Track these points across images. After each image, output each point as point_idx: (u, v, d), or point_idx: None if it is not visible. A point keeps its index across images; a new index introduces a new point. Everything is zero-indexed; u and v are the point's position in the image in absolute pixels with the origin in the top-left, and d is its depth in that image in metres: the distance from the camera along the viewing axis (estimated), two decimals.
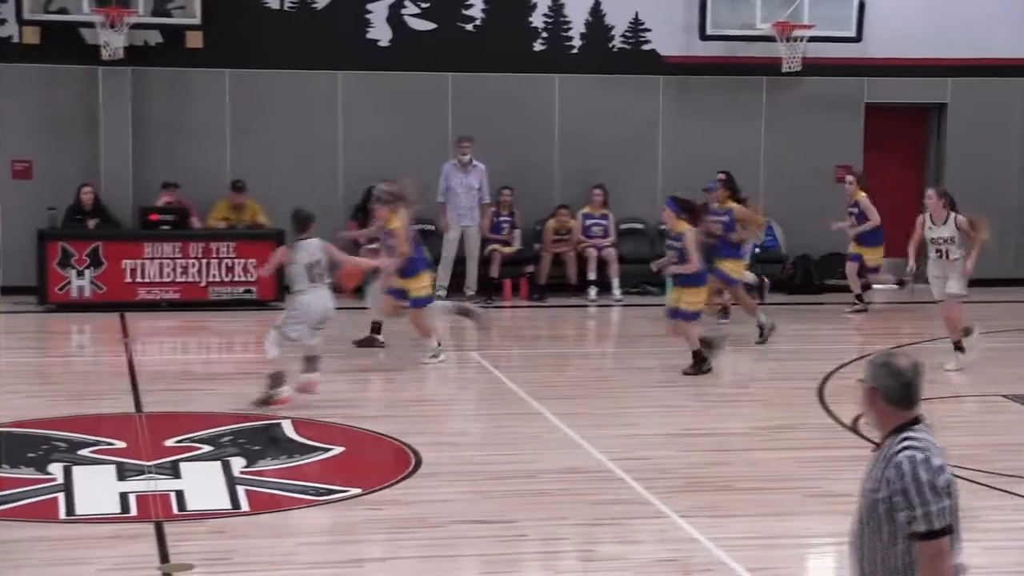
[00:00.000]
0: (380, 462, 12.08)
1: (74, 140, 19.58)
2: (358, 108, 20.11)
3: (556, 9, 20.55)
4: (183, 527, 9.99)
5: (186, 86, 19.89)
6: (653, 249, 19.02)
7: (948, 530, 5.42)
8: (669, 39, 20.65)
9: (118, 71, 19.30)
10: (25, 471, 11.40)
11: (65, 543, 9.76)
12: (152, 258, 18.77)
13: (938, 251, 14.61)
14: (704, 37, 20.24)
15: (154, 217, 18.97)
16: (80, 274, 18.67)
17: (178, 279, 18.85)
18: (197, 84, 19.89)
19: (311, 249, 13.31)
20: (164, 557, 9.33)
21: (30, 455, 11.84)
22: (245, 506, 10.54)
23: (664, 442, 12.29)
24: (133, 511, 10.45)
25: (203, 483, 11.11)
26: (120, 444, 12.17)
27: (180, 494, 10.77)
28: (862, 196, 18.59)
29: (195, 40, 19.19)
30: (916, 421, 5.62)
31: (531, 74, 20.51)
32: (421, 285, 15.01)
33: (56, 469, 11.38)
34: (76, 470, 11.36)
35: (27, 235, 18.98)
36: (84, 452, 11.93)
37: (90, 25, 18.91)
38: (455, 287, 19.19)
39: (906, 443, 5.54)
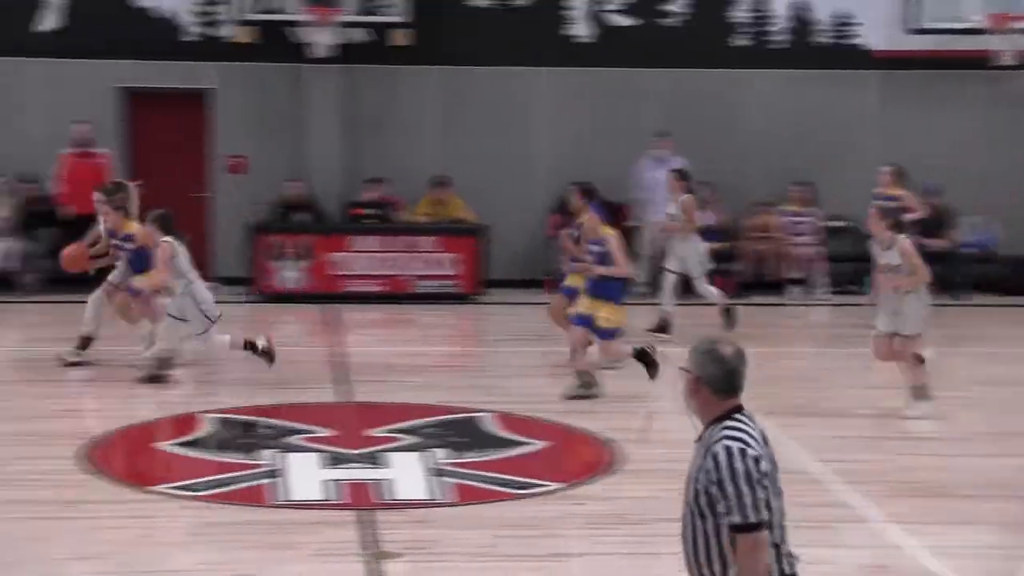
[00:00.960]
0: (581, 458, 12.11)
1: (284, 136, 19.97)
2: (558, 105, 20.26)
3: (759, 4, 20.31)
4: (386, 516, 10.09)
5: (393, 83, 20.12)
6: (859, 248, 18.38)
7: (764, 523, 5.32)
8: (877, 33, 20.22)
9: (326, 69, 19.60)
10: (235, 456, 11.71)
11: (272, 527, 9.94)
12: (358, 252, 19.12)
13: None
14: (915, 31, 19.74)
15: (360, 212, 19.29)
16: (289, 266, 18.99)
17: (384, 272, 19.13)
18: (404, 81, 20.11)
19: None
20: (368, 544, 9.45)
21: (240, 441, 12.21)
22: (447, 497, 10.63)
23: (874, 444, 12.05)
24: (338, 498, 10.65)
25: (406, 473, 11.23)
26: (327, 432, 12.42)
27: (384, 483, 10.94)
28: None
29: (403, 38, 19.43)
30: (738, 409, 5.53)
31: (731, 70, 20.32)
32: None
33: (265, 455, 11.59)
34: (284, 457, 11.56)
35: (239, 228, 19.47)
36: (292, 439, 12.16)
37: (300, 24, 19.25)
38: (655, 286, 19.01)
39: (725, 432, 5.46)
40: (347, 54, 19.39)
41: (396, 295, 18.99)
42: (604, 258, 13.61)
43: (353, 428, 12.67)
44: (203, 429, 12.59)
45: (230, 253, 19.88)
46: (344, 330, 17.59)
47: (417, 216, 19.61)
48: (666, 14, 20.30)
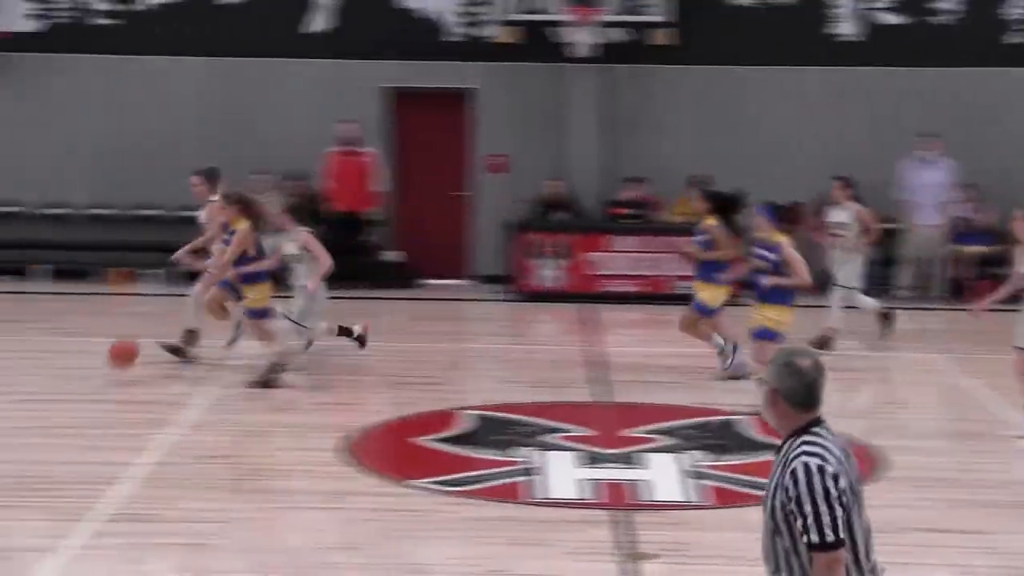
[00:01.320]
0: None
1: (544, 135, 20.12)
2: (822, 104, 19.99)
3: None
4: (642, 516, 10.06)
5: (652, 83, 20.16)
6: None
7: (841, 542, 5.20)
8: None
9: (586, 68, 19.69)
10: (492, 453, 11.80)
11: (528, 524, 9.98)
12: (617, 252, 19.11)
13: None
14: None
15: (619, 211, 19.26)
16: (548, 265, 19.09)
17: (642, 272, 19.02)
18: (663, 81, 20.12)
19: None
20: (622, 545, 9.38)
21: (498, 438, 12.24)
22: (704, 499, 10.49)
23: None
24: (594, 498, 10.66)
25: (662, 474, 11.13)
26: (584, 432, 12.43)
27: (640, 484, 10.90)
28: None
29: (664, 37, 19.33)
30: (817, 423, 5.41)
31: (1001, 68, 19.72)
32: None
33: (521, 453, 11.66)
34: (540, 455, 11.61)
35: (499, 226, 19.69)
36: (548, 438, 12.19)
37: (562, 24, 19.35)
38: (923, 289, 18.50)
39: (803, 447, 5.35)
40: (608, 53, 19.45)
41: (654, 295, 18.72)
42: (778, 267, 12.99)
43: (610, 428, 12.62)
44: (461, 426, 12.70)
45: (489, 252, 20.24)
46: (602, 330, 17.51)
47: (675, 216, 19.42)
48: (937, 12, 19.77)
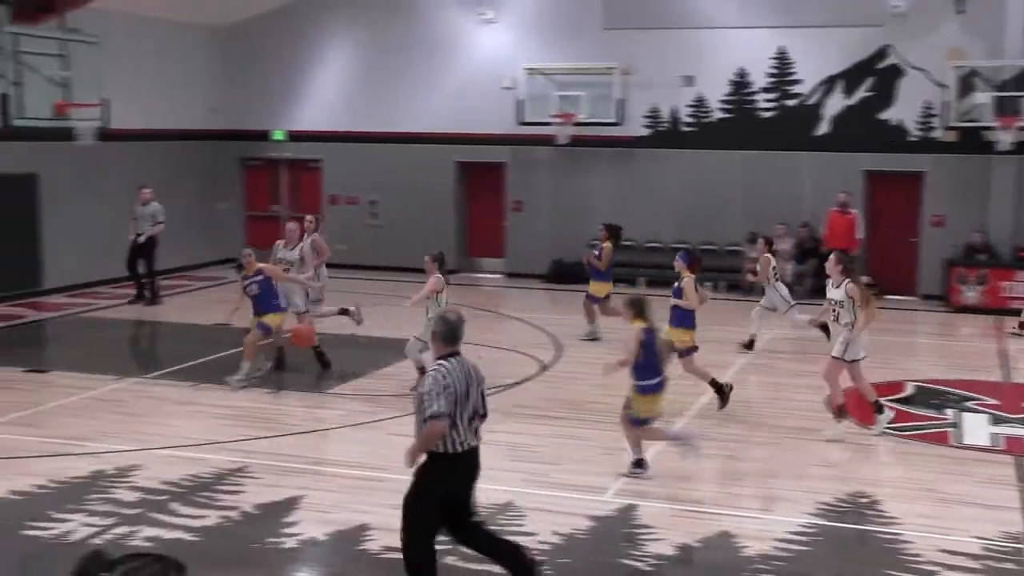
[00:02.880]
0: None
1: (972, 202, 19.33)
2: None
3: None
4: None
5: None
6: None
7: (442, 415, 6.11)
8: None
9: (1007, 158, 18.94)
10: (928, 411, 11.89)
11: (952, 461, 10.00)
12: (1020, 281, 18.44)
13: None
14: None
15: None
16: (970, 289, 18.78)
17: None
18: None
19: None
20: (1022, 478, 9.47)
21: (931, 401, 12.33)
22: None
23: None
24: (1000, 446, 10.57)
25: None
26: (993, 401, 12.34)
27: None
28: None
29: None
30: (453, 355, 6.38)
31: None
32: None
33: (949, 413, 11.77)
34: (962, 415, 11.67)
35: (939, 262, 19.47)
36: (968, 404, 12.19)
37: (989, 128, 18.73)
38: None
39: (435, 365, 6.35)
40: (1021, 146, 18.60)
41: None
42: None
43: (1012, 399, 12.42)
44: (906, 391, 12.71)
45: (931, 278, 19.58)
46: (1004, 333, 16.57)
47: None
48: None
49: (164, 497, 8.77)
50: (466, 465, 6.44)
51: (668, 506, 8.76)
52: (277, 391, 12.65)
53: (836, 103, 20.19)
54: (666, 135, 21.09)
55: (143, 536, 7.87)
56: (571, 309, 17.00)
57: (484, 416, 6.56)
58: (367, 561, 7.53)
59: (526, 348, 14.84)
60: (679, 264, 11.95)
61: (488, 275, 22.31)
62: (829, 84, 20.22)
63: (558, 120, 20.63)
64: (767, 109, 20.60)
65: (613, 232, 15.95)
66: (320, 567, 7.64)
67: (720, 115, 20.84)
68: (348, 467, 8.46)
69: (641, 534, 8.08)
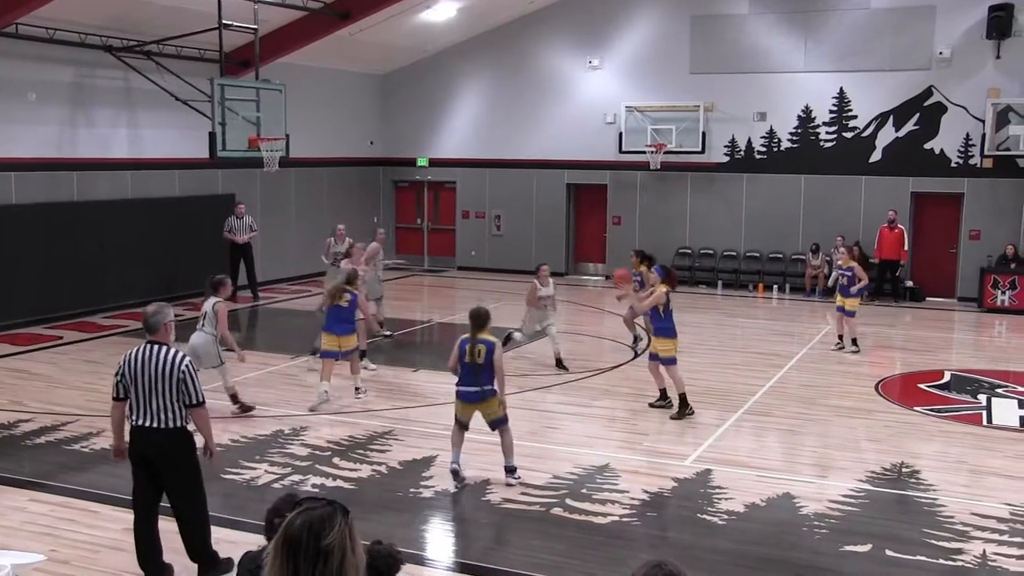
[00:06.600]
0: None
1: (1006, 219, 18.66)
2: None
3: None
4: None
5: None
6: None
7: (117, 399, 5.58)
8: None
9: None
10: (963, 396, 11.48)
11: (984, 439, 9.71)
12: None
13: None
14: None
15: None
16: (1003, 293, 17.98)
17: None
18: None
19: None
20: None
21: (966, 387, 11.92)
22: None
23: None
24: None
25: None
26: (1021, 388, 11.91)
27: None
28: None
29: None
30: (152, 343, 5.62)
31: None
32: None
33: (981, 397, 11.41)
34: (993, 400, 11.28)
35: (975, 268, 18.70)
36: (999, 390, 11.79)
37: (1022, 157, 18.16)
38: None
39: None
40: None
41: None
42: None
43: None
44: (943, 379, 12.30)
45: (968, 283, 18.81)
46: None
47: None
48: None
49: (327, 453, 8.90)
50: None
51: (738, 471, 8.60)
52: (416, 369, 12.63)
53: (887, 135, 19.62)
54: (742, 162, 20.67)
55: (311, 484, 8.00)
56: None
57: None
58: (488, 509, 7.58)
59: (622, 338, 14.57)
60: (654, 277, 10.62)
61: (591, 277, 22.18)
62: (882, 119, 19.65)
63: (651, 149, 20.51)
64: (828, 140, 20.02)
65: (645, 258, 13.57)
66: (451, 512, 7.65)
67: (788, 145, 20.33)
68: (474, 432, 8.57)
69: (716, 494, 7.97)
